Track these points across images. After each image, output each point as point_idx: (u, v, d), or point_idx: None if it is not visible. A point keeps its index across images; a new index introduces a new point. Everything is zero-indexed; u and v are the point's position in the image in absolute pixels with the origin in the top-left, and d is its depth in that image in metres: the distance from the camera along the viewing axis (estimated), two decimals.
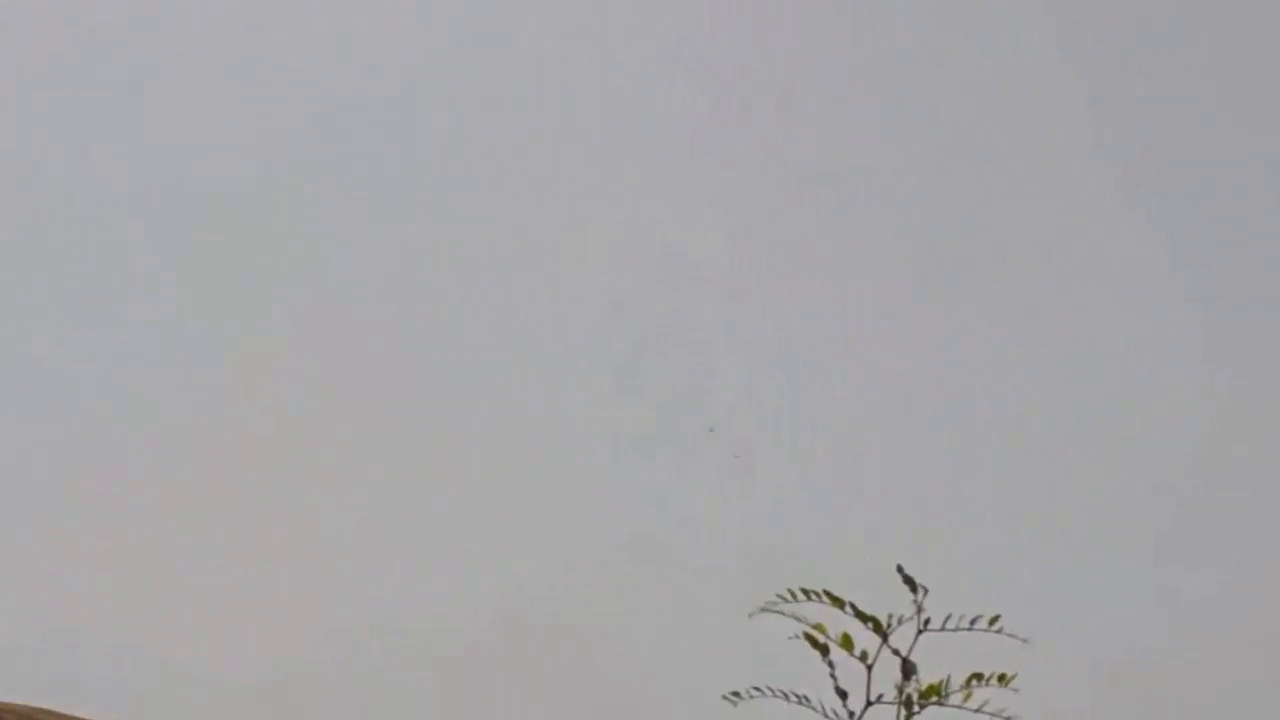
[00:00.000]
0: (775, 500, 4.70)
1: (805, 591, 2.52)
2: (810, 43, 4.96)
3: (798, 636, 2.55)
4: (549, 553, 4.93)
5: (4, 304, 5.10)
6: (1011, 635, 2.54)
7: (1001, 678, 2.53)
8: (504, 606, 4.86)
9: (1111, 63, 5.18)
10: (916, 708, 2.51)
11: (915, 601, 2.50)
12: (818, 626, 2.52)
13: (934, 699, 2.50)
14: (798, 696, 2.56)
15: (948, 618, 2.52)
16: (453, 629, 4.94)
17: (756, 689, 2.59)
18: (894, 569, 2.52)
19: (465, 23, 5.00)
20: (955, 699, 2.50)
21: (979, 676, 2.49)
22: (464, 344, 4.92)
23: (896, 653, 2.50)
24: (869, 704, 2.51)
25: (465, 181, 4.91)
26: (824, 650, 2.53)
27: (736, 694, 2.61)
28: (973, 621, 2.55)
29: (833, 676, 2.51)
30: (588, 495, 4.87)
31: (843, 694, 2.51)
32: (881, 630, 2.51)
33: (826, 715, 2.55)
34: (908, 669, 2.49)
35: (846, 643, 2.50)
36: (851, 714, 2.52)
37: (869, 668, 2.49)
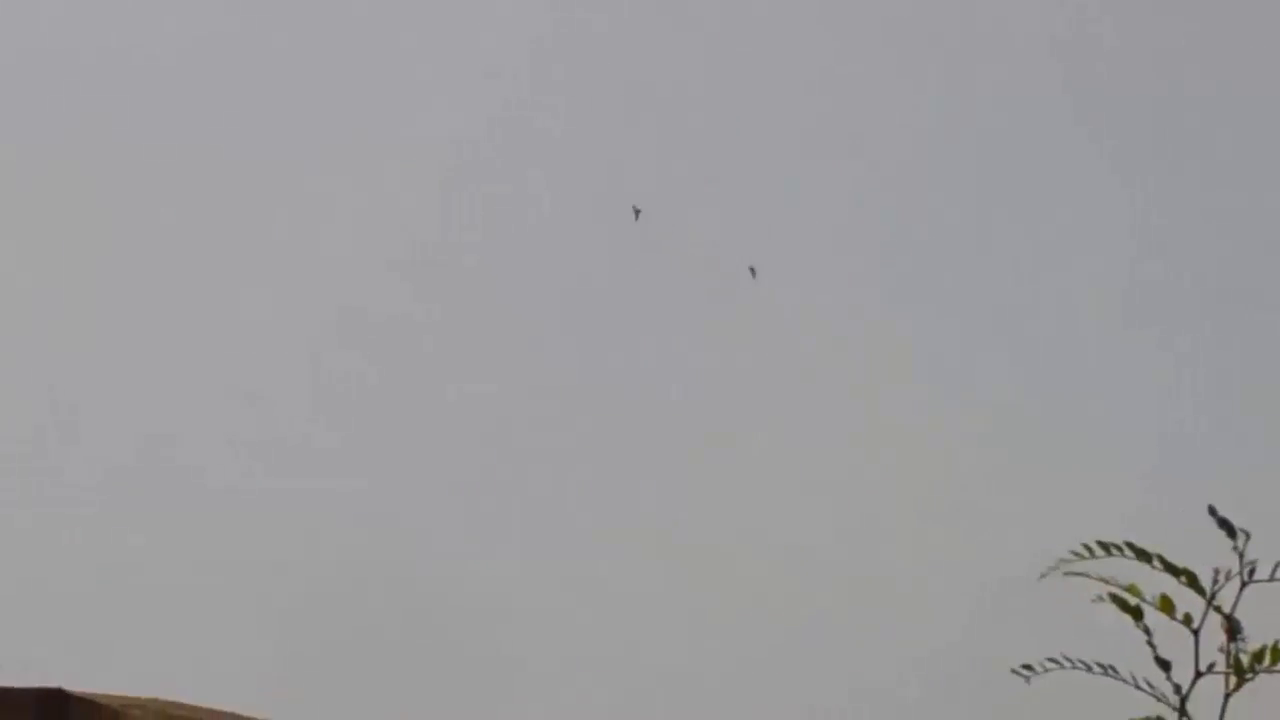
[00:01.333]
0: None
1: (1104, 545, 2.16)
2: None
3: (1102, 598, 2.20)
4: None
5: None
6: None
7: None
8: None
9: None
10: (1250, 674, 2.13)
11: (1235, 549, 2.14)
12: (1130, 588, 2.17)
13: (1270, 664, 2.13)
14: (1102, 667, 2.20)
15: (1278, 566, 2.14)
16: None
17: (1053, 660, 2.21)
18: (1205, 513, 2.14)
19: None
20: None
21: None
22: None
23: (1219, 610, 2.14)
24: (1199, 674, 2.14)
25: None
26: (1137, 614, 2.17)
27: (1029, 667, 2.23)
28: None
29: (1150, 644, 2.14)
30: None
31: (1165, 664, 2.14)
32: (1198, 585, 2.15)
33: (1140, 688, 2.17)
34: (1233, 627, 2.13)
35: (1166, 605, 2.14)
36: (1177, 688, 2.15)
37: (1195, 633, 2.13)
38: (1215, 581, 2.12)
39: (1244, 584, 2.12)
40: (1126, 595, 2.16)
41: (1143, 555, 2.14)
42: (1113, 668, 2.18)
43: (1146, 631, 2.15)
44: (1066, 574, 2.12)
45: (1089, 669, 2.18)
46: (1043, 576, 2.14)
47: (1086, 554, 2.14)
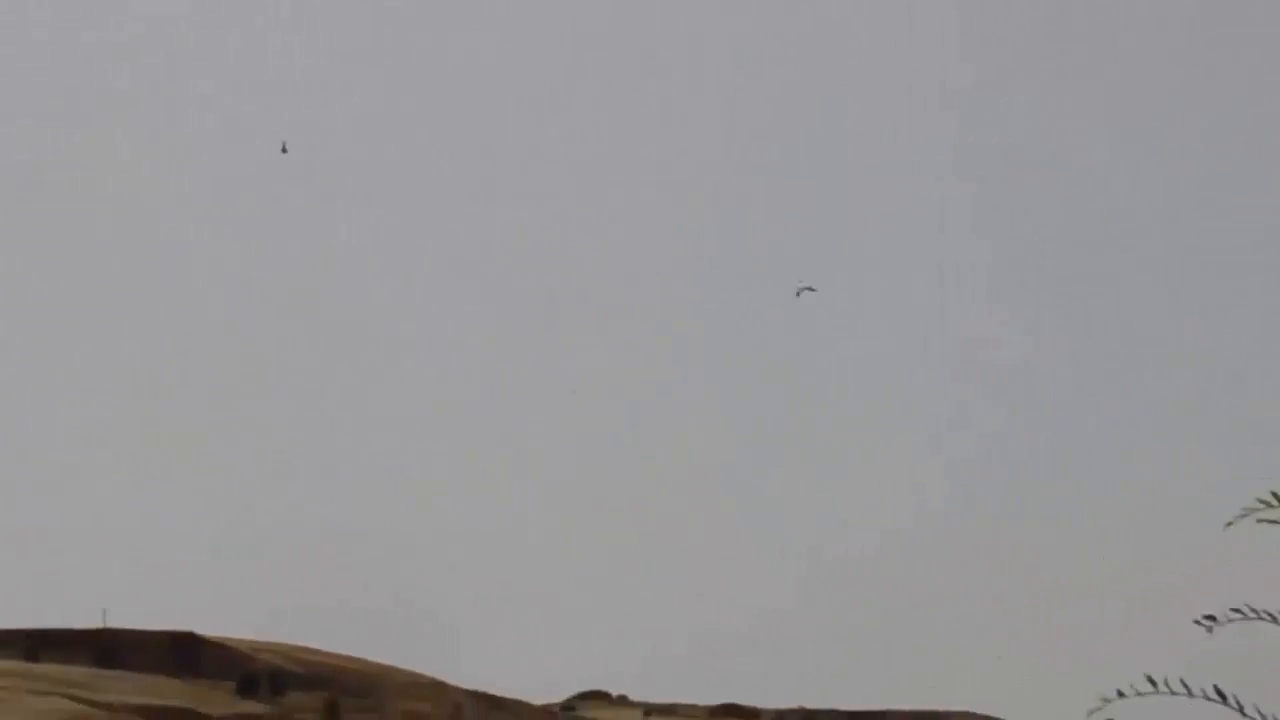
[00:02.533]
0: None
1: None
2: None
3: None
4: None
5: None
6: None
7: None
8: None
9: None
10: None
11: None
12: None
13: None
14: None
15: None
16: None
17: (1237, 610, 1.97)
18: None
19: None
20: None
21: None
22: None
23: None
24: None
25: None
26: None
27: (1211, 618, 1.93)
28: None
29: None
30: None
31: None
32: None
33: None
34: None
35: None
36: None
37: None
38: None
39: None
40: None
41: None
42: None
43: None
44: (1259, 521, 1.88)
45: (1274, 620, 1.88)
46: (1229, 524, 1.90)
47: (1276, 503, 1.90)
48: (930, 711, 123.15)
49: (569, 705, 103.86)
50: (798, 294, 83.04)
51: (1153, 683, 2.00)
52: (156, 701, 66.87)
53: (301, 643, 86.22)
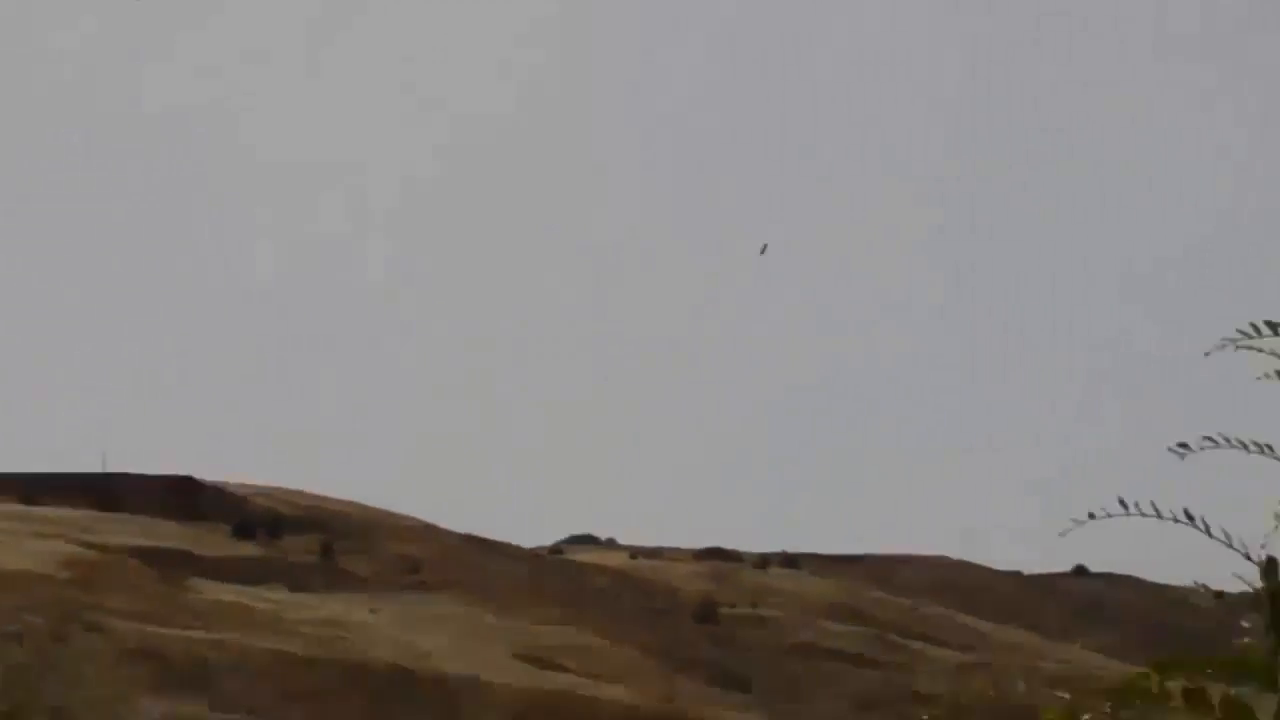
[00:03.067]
0: None
1: (1272, 325, 1.88)
2: None
3: (1269, 376, 1.94)
4: None
5: None
6: None
7: None
8: None
9: None
10: None
11: None
12: None
13: None
14: (1260, 446, 1.97)
15: None
16: None
17: (1209, 439, 1.98)
18: None
19: None
20: None
21: None
22: None
23: None
24: None
25: None
26: None
27: (1185, 445, 1.98)
28: None
29: None
30: None
31: None
32: None
33: None
34: None
35: None
36: None
37: None
38: None
39: None
40: None
41: None
42: (1269, 446, 1.96)
43: None
44: (1238, 348, 1.90)
45: (1246, 448, 1.95)
46: (1208, 354, 1.88)
47: (1255, 333, 1.89)
48: (905, 555, 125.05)
49: (558, 549, 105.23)
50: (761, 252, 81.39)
51: (1124, 504, 2.03)
52: (154, 543, 67.32)
53: (298, 487, 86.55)
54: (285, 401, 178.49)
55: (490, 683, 56.87)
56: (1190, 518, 1.97)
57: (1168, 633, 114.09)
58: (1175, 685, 2.03)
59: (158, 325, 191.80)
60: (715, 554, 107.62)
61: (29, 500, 75.24)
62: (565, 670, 63.09)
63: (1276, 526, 1.96)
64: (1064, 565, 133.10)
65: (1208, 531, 1.97)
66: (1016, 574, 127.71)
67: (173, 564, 65.17)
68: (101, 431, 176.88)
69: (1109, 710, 2.11)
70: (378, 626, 62.66)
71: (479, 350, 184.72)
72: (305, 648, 56.22)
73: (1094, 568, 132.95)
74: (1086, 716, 2.13)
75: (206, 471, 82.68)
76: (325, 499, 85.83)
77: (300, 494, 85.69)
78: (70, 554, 60.85)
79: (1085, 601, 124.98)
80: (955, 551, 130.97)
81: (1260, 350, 1.92)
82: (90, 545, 63.56)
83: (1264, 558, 1.97)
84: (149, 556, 64.64)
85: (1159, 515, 1.98)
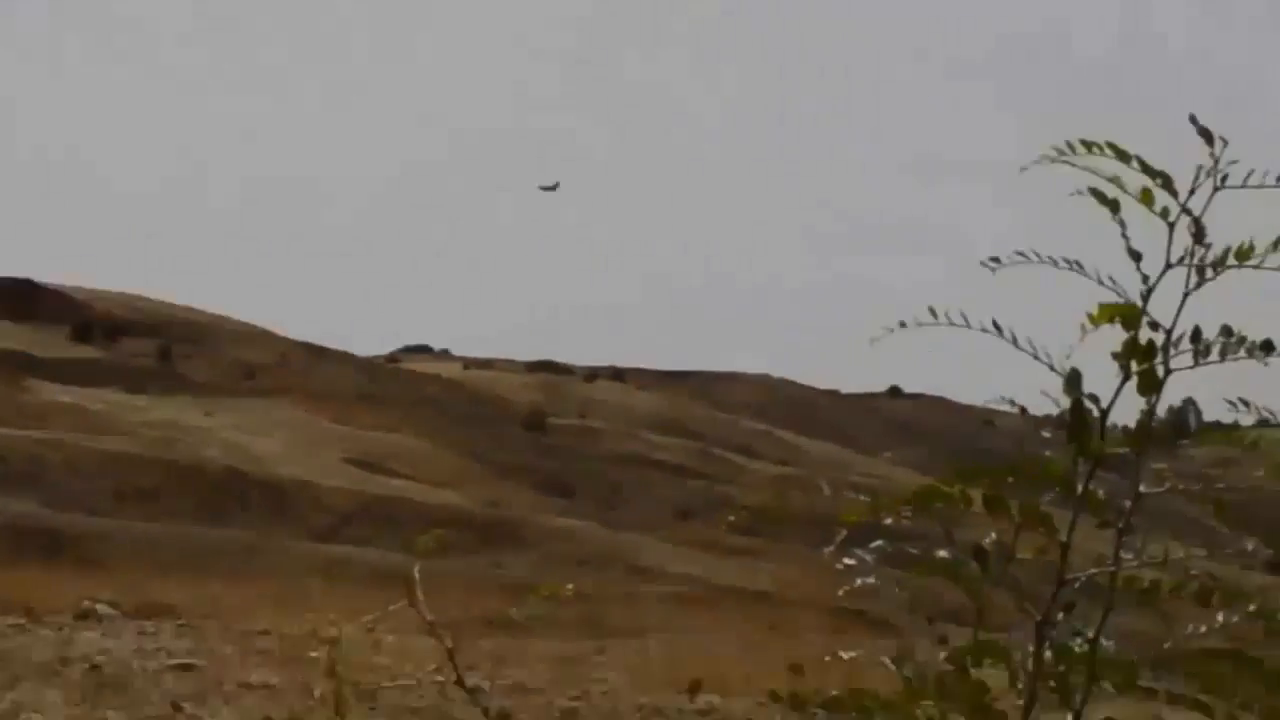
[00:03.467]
0: None
1: (1086, 144, 1.96)
2: None
3: (1081, 192, 1.99)
4: None
5: None
6: None
7: None
8: None
9: None
10: (1211, 273, 1.98)
11: (1212, 155, 1.95)
12: (1113, 179, 1.97)
13: (1233, 263, 1.97)
14: (1068, 262, 2.02)
15: (1249, 174, 1.96)
16: None
17: (1020, 254, 2.03)
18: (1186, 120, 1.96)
19: None
20: (1258, 261, 1.96)
21: None
22: None
23: (1189, 212, 1.97)
24: (1168, 266, 1.98)
25: None
26: (1114, 206, 1.99)
27: (995, 259, 2.03)
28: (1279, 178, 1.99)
29: (1125, 236, 1.98)
30: None
31: (1136, 255, 1.97)
32: (1173, 188, 1.98)
33: (1102, 282, 2.00)
34: (1199, 229, 1.97)
35: (1147, 198, 1.97)
36: (1145, 278, 1.98)
37: (1171, 225, 1.98)
38: (1192, 187, 1.96)
39: (1215, 189, 1.96)
40: (1106, 188, 1.98)
41: (1123, 155, 1.96)
42: (1078, 263, 2.01)
43: (1122, 224, 1.99)
44: (1052, 162, 1.95)
45: (1055, 264, 2.01)
46: (1024, 169, 1.96)
47: (1069, 150, 1.95)
48: (730, 373, 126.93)
49: (393, 357, 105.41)
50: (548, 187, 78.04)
51: (933, 313, 2.03)
52: None
53: (137, 291, 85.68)
54: (125, 203, 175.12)
55: (321, 485, 57.20)
56: (999, 329, 2.01)
57: (973, 450, 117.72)
58: (976, 493, 2.07)
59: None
60: (545, 367, 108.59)
61: None
62: (396, 475, 63.44)
63: (1082, 338, 2.00)
64: (879, 385, 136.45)
65: (1014, 342, 2.02)
66: (834, 392, 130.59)
67: (10, 365, 64.45)
68: None
69: (907, 514, 2.13)
70: (213, 430, 62.46)
71: (321, 148, 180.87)
72: (141, 448, 55.84)
73: (907, 389, 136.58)
74: (886, 518, 2.16)
75: (46, 274, 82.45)
76: (164, 304, 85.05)
77: (139, 298, 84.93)
78: None
79: (898, 420, 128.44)
80: (777, 370, 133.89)
81: (1074, 165, 1.97)
82: None
83: (1069, 370, 2.01)
84: None
85: (967, 325, 2.01)
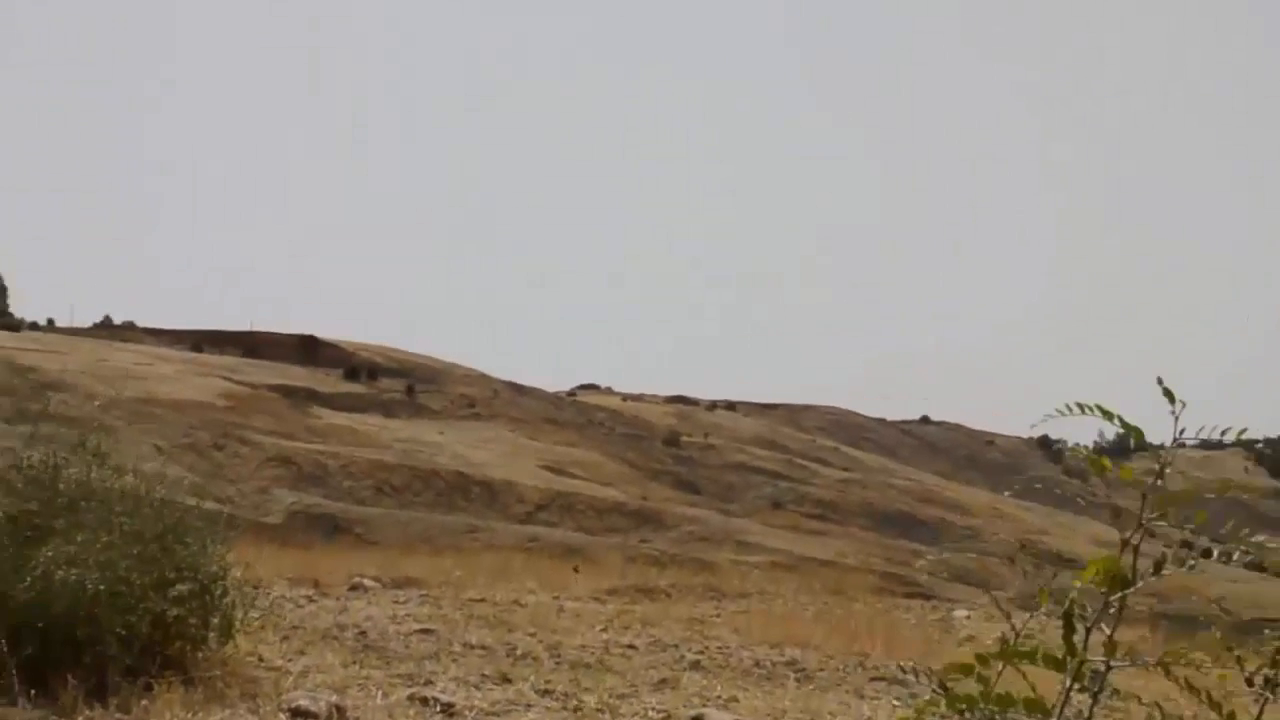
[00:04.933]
0: None
1: (1081, 406, 1.94)
2: None
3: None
4: None
5: None
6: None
7: None
8: None
9: None
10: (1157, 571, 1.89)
11: (1173, 412, 1.85)
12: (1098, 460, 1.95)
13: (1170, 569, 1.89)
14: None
15: (1200, 429, 1.88)
16: None
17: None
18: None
19: None
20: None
21: None
22: None
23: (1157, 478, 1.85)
24: (1140, 526, 1.89)
25: None
26: (1100, 468, 1.96)
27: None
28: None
29: (1109, 496, 2.55)
30: None
31: (1116, 511, 1.95)
32: (1144, 442, 1.94)
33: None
34: (1143, 501, 1.86)
35: (1126, 473, 1.91)
36: (1126, 542, 1.89)
37: (1143, 496, 1.87)
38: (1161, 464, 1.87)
39: (1178, 446, 1.88)
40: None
41: (1107, 415, 1.92)
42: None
43: (1106, 482, 1.93)
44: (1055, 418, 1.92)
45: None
46: (1034, 427, 2.35)
47: (1068, 412, 1.93)
48: (808, 405, 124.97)
49: (572, 393, 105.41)
50: None
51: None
52: (287, 382, 66.70)
53: (391, 344, 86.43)
54: (388, 279, 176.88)
55: (522, 484, 57.21)
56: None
57: (979, 463, 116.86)
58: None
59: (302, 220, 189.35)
60: (680, 400, 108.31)
61: (196, 349, 74.37)
62: (575, 477, 63.14)
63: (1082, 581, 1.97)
64: (915, 415, 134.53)
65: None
66: (882, 419, 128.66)
67: (300, 397, 64.70)
68: (251, 298, 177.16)
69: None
70: (444, 444, 62.28)
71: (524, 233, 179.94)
72: (394, 457, 56.32)
73: (935, 417, 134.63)
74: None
75: (325, 331, 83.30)
76: (410, 353, 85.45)
77: (393, 349, 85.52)
78: (226, 388, 60.19)
79: (927, 440, 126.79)
80: (844, 403, 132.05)
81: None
82: (240, 383, 62.83)
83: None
84: (283, 391, 64.01)
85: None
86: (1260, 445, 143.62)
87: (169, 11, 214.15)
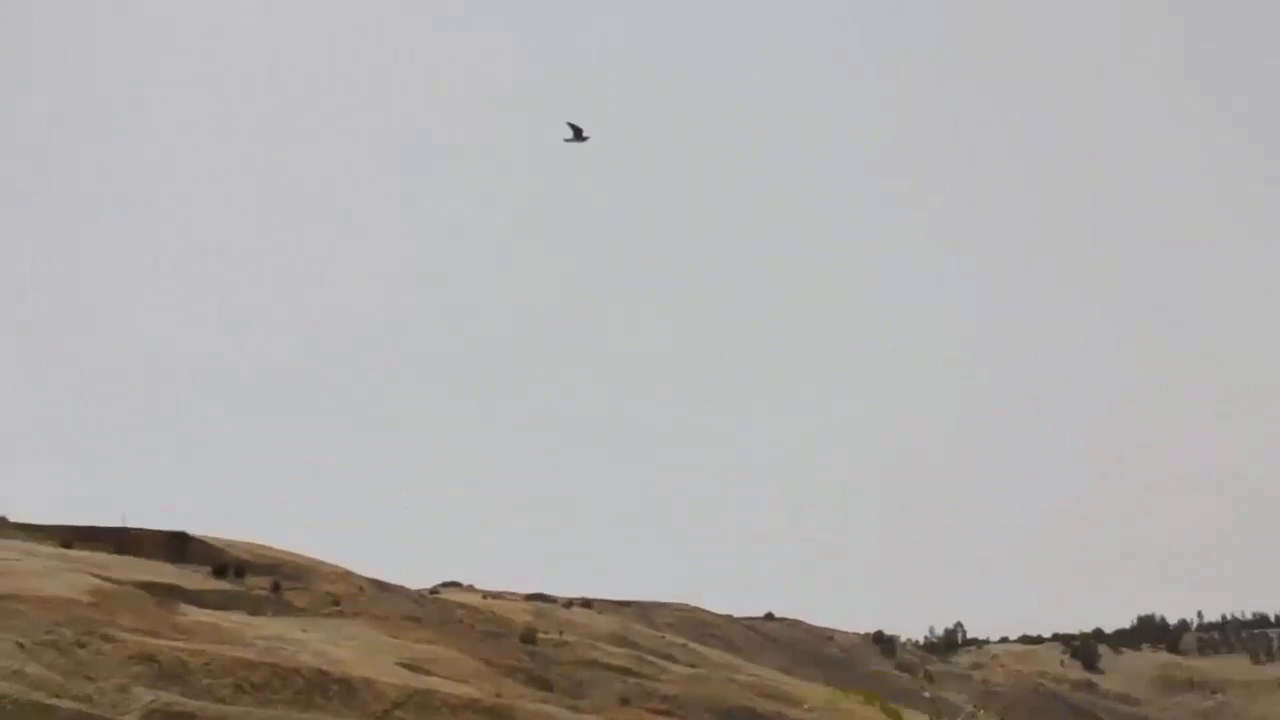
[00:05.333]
0: None
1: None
2: None
3: None
4: None
5: None
6: None
7: None
8: None
9: None
10: None
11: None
12: None
13: None
14: None
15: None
16: None
17: None
18: None
19: None
20: None
21: None
22: None
23: None
24: None
25: None
26: None
27: None
28: None
29: None
30: None
31: None
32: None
33: None
34: None
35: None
36: None
37: None
38: None
39: None
40: None
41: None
42: None
43: None
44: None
45: None
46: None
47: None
48: (660, 602, 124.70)
49: (435, 590, 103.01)
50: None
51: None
52: (155, 579, 64.82)
53: (259, 540, 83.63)
54: (254, 478, 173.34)
55: (380, 681, 55.15)
56: None
57: (818, 659, 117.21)
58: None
59: (168, 422, 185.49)
60: (538, 597, 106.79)
61: (66, 544, 71.79)
62: (432, 674, 61.16)
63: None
64: (760, 612, 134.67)
65: None
66: (729, 616, 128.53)
67: (167, 594, 62.85)
68: (121, 494, 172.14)
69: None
70: (307, 641, 60.66)
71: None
72: (255, 655, 54.21)
73: (778, 614, 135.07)
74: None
75: (194, 527, 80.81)
76: (278, 550, 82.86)
77: (261, 546, 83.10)
78: (93, 585, 58.26)
79: (770, 636, 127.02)
80: (694, 600, 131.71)
81: None
82: (108, 579, 60.78)
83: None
84: (150, 588, 62.11)
85: None
86: (1075, 641, 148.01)
87: None
